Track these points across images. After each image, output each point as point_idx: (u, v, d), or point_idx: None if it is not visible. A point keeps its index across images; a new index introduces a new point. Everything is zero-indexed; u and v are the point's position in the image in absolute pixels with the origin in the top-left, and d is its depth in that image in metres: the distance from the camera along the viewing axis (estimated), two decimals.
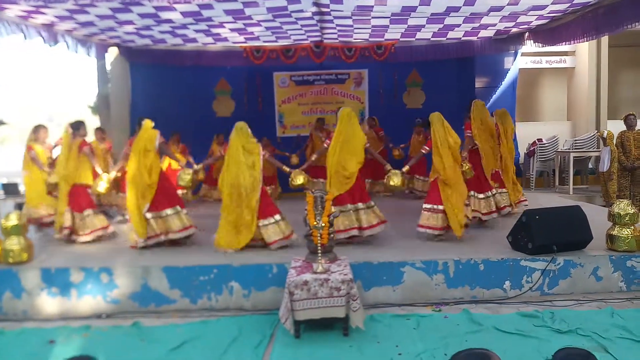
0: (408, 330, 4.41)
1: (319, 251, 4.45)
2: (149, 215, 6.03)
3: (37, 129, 7.33)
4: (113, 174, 6.64)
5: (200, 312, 5.02)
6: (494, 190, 6.99)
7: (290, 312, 4.20)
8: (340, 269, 4.50)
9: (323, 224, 4.47)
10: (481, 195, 6.84)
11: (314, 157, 6.62)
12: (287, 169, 6.37)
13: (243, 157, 5.85)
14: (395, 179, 6.09)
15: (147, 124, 6.35)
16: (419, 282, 5.13)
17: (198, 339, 4.35)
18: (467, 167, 6.36)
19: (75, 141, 6.55)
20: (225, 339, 4.32)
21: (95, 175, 6.57)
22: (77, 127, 6.67)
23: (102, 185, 6.39)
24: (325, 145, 6.21)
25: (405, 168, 6.37)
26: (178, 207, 6.22)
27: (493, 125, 7.29)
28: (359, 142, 6.01)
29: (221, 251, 5.68)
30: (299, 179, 6.15)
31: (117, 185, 7.42)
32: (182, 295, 5.10)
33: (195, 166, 6.56)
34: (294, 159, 9.14)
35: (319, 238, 4.46)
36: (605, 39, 11.57)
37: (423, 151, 6.43)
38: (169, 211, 6.14)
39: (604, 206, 8.69)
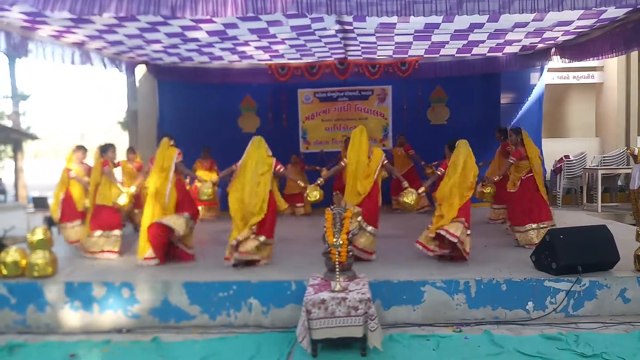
0: (427, 352, 4.35)
1: (337, 269, 4.43)
2: None
3: (77, 149, 7.48)
4: (133, 188, 6.74)
5: (219, 328, 5.04)
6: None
7: (307, 330, 4.18)
8: (359, 287, 4.47)
9: (341, 242, 4.46)
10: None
11: (331, 172, 6.85)
12: (302, 184, 6.51)
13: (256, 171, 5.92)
14: (408, 197, 6.05)
15: (164, 141, 6.43)
16: (440, 302, 5.06)
17: (216, 356, 4.37)
18: (488, 189, 6.32)
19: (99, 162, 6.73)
20: (243, 356, 4.33)
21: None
22: (105, 150, 6.84)
23: (122, 199, 6.50)
24: (342, 163, 6.25)
25: (421, 189, 6.29)
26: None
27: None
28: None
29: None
30: (313, 194, 6.21)
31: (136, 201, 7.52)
32: (202, 311, 5.13)
33: (213, 179, 6.62)
34: (324, 172, 9.12)
35: (337, 256, 4.45)
36: (634, 54, 11.36)
37: (439, 172, 6.36)
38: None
39: (634, 225, 8.46)
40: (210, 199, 6.45)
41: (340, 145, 10.56)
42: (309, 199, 6.26)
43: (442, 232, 5.78)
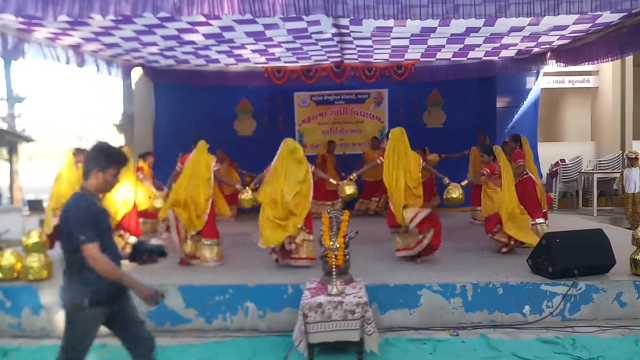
0: (424, 355, 4.35)
1: (334, 273, 4.42)
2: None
3: (77, 152, 7.44)
4: (165, 190, 6.73)
5: (215, 332, 5.02)
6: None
7: (304, 334, 4.17)
8: (355, 291, 4.46)
9: (338, 245, 4.45)
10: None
11: (365, 169, 7.06)
12: (334, 182, 6.56)
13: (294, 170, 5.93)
14: (455, 192, 6.19)
15: (202, 145, 6.37)
16: (436, 306, 5.05)
17: None
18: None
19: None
20: None
21: None
22: (144, 156, 6.91)
23: (159, 201, 6.59)
24: (379, 161, 6.32)
25: (464, 182, 6.42)
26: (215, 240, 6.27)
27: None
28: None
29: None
30: (349, 188, 6.28)
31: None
32: (198, 314, 5.11)
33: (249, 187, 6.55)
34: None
35: (334, 259, 4.44)
36: (629, 59, 11.41)
37: (484, 172, 6.56)
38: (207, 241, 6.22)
39: (630, 229, 8.49)
40: (254, 205, 6.34)
41: (337, 148, 10.57)
42: (346, 192, 6.30)
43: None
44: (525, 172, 6.99)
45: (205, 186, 6.17)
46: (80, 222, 2.87)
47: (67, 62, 7.75)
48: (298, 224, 5.75)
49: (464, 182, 6.40)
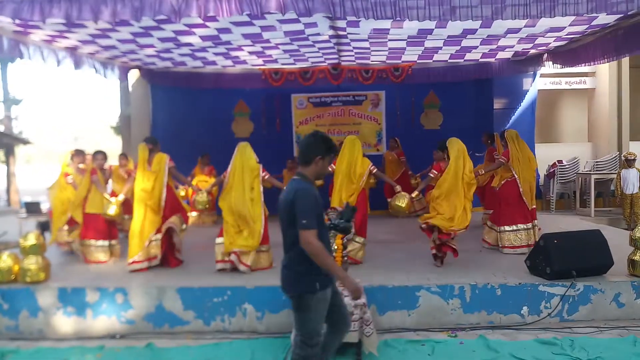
0: (423, 356, 4.35)
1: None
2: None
3: (76, 153, 7.42)
4: (121, 197, 6.71)
5: (214, 334, 5.01)
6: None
7: None
8: None
9: (336, 247, 4.46)
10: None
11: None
12: (399, 188, 6.45)
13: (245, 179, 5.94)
14: (400, 200, 6.09)
15: (142, 146, 6.36)
16: (435, 307, 5.06)
17: None
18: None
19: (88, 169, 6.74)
20: None
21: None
22: (94, 156, 6.81)
23: (112, 209, 6.45)
24: (330, 169, 6.29)
25: (415, 193, 6.35)
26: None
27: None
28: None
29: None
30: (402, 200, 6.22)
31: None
32: (196, 316, 5.10)
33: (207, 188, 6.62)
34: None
35: None
36: (625, 60, 11.45)
37: (431, 175, 6.39)
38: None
39: (627, 229, 8.51)
40: (206, 207, 6.44)
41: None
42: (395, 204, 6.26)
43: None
44: (509, 175, 6.80)
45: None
46: (308, 208, 3.03)
47: (64, 65, 7.74)
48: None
49: (415, 193, 6.35)
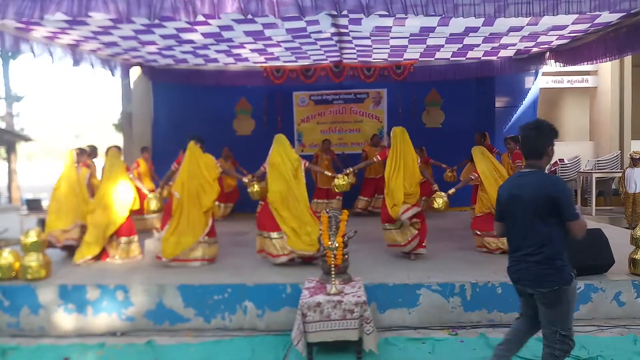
0: (423, 355, 4.34)
1: (333, 272, 4.42)
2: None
3: (80, 152, 7.42)
4: (158, 190, 6.70)
5: (214, 331, 5.02)
6: None
7: (302, 334, 4.17)
8: (354, 290, 4.46)
9: (337, 245, 4.45)
10: None
11: (361, 165, 7.04)
12: (329, 174, 6.80)
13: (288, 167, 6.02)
14: (436, 203, 6.15)
15: (193, 146, 6.39)
16: (435, 305, 5.05)
17: None
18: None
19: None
20: None
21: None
22: (94, 151, 6.82)
23: (153, 204, 6.49)
24: (375, 159, 6.43)
25: (451, 191, 6.32)
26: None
27: None
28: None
29: None
30: (343, 179, 6.43)
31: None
32: (196, 314, 5.11)
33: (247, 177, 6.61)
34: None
35: (332, 259, 4.44)
36: (628, 59, 11.43)
37: (519, 162, 6.48)
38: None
39: (628, 228, 8.50)
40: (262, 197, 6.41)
41: (335, 147, 10.58)
42: (340, 182, 6.40)
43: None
44: None
45: (210, 186, 6.23)
46: (570, 198, 3.10)
47: (66, 62, 7.74)
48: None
49: (451, 191, 6.33)
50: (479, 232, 6.56)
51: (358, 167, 6.87)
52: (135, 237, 6.63)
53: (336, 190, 6.60)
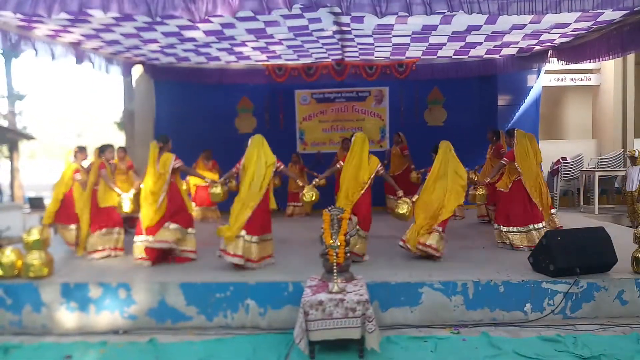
0: (425, 353, 4.34)
1: (335, 270, 4.42)
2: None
3: (79, 150, 7.43)
4: (132, 192, 6.68)
5: (216, 329, 5.02)
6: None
7: (304, 332, 4.16)
8: (357, 289, 4.45)
9: (339, 243, 4.45)
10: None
11: (325, 174, 6.82)
12: (301, 183, 6.62)
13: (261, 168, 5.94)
14: (402, 208, 6.06)
15: (153, 145, 6.42)
16: (438, 304, 5.05)
17: (213, 358, 4.35)
18: (481, 191, 6.69)
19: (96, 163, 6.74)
20: (240, 358, 4.32)
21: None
22: (103, 150, 6.81)
23: (126, 206, 6.50)
24: (338, 165, 6.29)
25: (415, 197, 6.23)
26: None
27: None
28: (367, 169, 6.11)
29: None
30: (309, 195, 6.27)
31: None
32: (199, 312, 5.11)
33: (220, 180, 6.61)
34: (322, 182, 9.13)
35: (334, 257, 4.43)
36: (631, 57, 11.37)
37: (504, 162, 6.76)
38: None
39: (631, 227, 8.47)
40: (222, 199, 6.40)
41: (337, 146, 10.57)
42: (304, 199, 6.30)
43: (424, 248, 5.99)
44: (516, 175, 6.78)
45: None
46: None
47: (68, 60, 7.75)
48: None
49: (415, 197, 6.24)
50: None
51: (323, 176, 6.86)
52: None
53: (303, 203, 6.64)
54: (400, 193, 6.25)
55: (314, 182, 6.46)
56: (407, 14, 5.09)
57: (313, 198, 6.26)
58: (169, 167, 6.22)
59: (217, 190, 6.34)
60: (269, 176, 5.94)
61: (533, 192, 6.69)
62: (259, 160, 5.94)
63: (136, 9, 4.82)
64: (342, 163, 6.21)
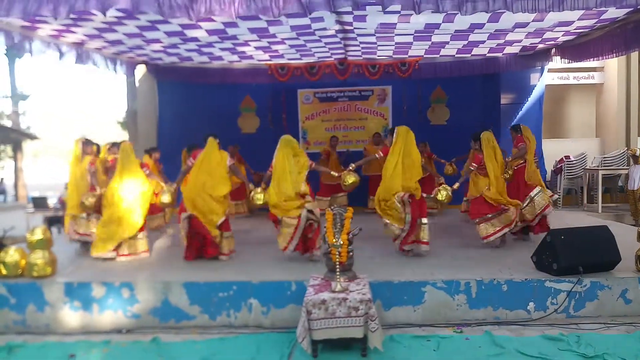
0: (428, 352, 4.33)
1: (338, 269, 4.42)
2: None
3: (87, 143, 7.42)
4: (174, 185, 6.70)
5: (220, 328, 5.02)
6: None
7: (307, 331, 4.16)
8: (359, 288, 4.45)
9: (342, 242, 4.45)
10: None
11: (362, 162, 7.00)
12: (336, 174, 6.69)
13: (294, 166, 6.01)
14: (440, 195, 6.29)
15: (212, 141, 6.44)
16: (440, 303, 5.04)
17: (216, 357, 4.35)
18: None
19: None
20: (243, 357, 4.32)
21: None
22: (151, 151, 6.85)
23: (165, 197, 6.54)
24: (377, 155, 6.48)
25: (456, 185, 6.47)
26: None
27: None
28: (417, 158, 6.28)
29: None
30: (350, 177, 6.41)
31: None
32: (202, 311, 5.11)
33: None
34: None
35: (337, 256, 4.43)
36: (634, 55, 11.37)
37: (472, 167, 6.77)
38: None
39: (634, 225, 8.46)
40: (263, 204, 6.32)
41: (339, 145, 10.55)
42: (346, 182, 6.41)
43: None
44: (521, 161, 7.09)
45: (223, 183, 6.23)
46: None
47: (71, 60, 7.77)
48: None
49: (456, 185, 6.45)
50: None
51: (358, 163, 6.88)
52: (144, 234, 6.62)
53: (344, 187, 6.64)
54: (442, 179, 6.50)
55: (350, 167, 6.54)
56: (414, 12, 5.08)
57: (353, 179, 6.41)
58: (227, 165, 6.38)
59: (260, 195, 6.29)
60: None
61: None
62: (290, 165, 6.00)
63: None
64: (381, 154, 6.39)
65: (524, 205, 6.84)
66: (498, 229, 6.51)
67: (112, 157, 7.02)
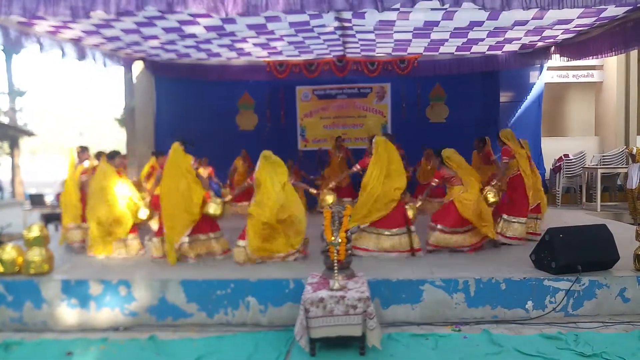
0: (426, 351, 4.32)
1: (336, 267, 4.40)
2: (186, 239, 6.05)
3: (82, 150, 7.39)
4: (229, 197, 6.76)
5: (217, 326, 5.01)
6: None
7: (305, 329, 4.15)
8: (357, 286, 4.44)
9: (340, 240, 4.43)
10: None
11: (341, 177, 7.17)
12: (315, 191, 6.74)
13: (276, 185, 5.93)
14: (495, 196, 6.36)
15: (176, 147, 6.22)
16: (439, 301, 5.03)
17: (213, 355, 4.34)
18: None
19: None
20: (241, 355, 4.30)
21: None
22: (112, 156, 6.76)
23: (143, 212, 6.50)
24: (355, 169, 6.54)
25: (418, 203, 6.38)
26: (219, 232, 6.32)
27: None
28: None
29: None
30: (329, 197, 6.45)
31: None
32: (199, 309, 5.09)
33: (226, 196, 6.58)
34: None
35: (335, 254, 4.41)
36: (634, 53, 11.35)
37: (433, 183, 6.50)
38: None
39: (632, 224, 8.45)
40: (219, 217, 6.24)
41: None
42: (323, 204, 6.37)
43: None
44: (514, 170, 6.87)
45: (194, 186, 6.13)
46: None
47: (68, 56, 7.72)
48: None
49: (418, 203, 6.44)
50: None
51: (338, 179, 6.95)
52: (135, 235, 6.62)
53: (322, 206, 6.59)
54: (495, 181, 6.59)
55: (330, 186, 6.67)
56: (413, 9, 5.05)
57: (332, 199, 6.46)
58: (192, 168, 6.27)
59: (218, 207, 6.24)
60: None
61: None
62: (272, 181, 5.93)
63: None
64: (358, 167, 6.57)
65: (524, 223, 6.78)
66: (446, 246, 6.27)
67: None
